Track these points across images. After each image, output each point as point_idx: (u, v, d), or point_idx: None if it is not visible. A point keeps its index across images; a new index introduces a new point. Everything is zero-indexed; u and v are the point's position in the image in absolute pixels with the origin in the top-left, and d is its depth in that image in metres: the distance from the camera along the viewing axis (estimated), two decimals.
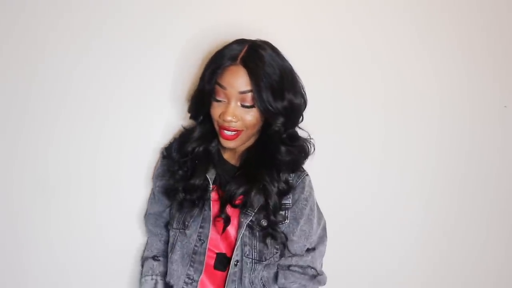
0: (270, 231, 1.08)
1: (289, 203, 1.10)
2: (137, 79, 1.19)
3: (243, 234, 1.07)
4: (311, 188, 1.13)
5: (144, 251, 1.24)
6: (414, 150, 1.36)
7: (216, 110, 1.03)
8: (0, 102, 1.14)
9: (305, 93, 1.09)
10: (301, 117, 1.10)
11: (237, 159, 1.12)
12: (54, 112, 1.17)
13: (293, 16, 1.24)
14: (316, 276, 1.14)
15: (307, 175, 1.12)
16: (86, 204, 1.21)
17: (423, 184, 1.38)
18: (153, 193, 1.21)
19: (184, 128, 1.16)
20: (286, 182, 1.08)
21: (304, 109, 1.09)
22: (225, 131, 1.03)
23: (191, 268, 1.11)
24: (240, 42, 1.05)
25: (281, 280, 1.13)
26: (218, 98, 1.02)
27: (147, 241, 1.24)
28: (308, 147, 1.11)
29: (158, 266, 1.19)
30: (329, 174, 1.27)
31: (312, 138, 1.13)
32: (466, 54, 1.34)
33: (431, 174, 1.38)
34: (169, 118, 1.21)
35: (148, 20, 1.18)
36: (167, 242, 1.20)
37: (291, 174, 1.10)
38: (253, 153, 1.10)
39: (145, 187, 1.23)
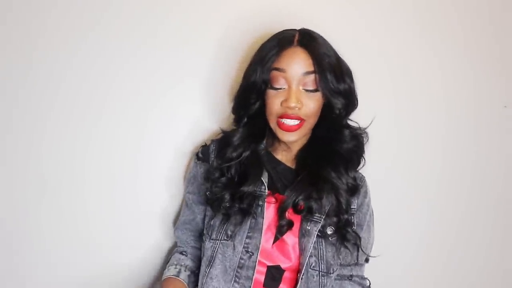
0: (343, 232, 0.97)
1: (354, 208, 1.03)
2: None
3: (308, 242, 0.95)
4: (369, 192, 1.08)
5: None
6: (417, 150, 1.35)
7: (275, 99, 0.94)
8: None
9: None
10: (356, 102, 1.03)
11: (293, 161, 1.04)
12: (61, 111, 1.17)
13: (296, 15, 1.24)
14: None
15: (365, 179, 1.07)
16: (90, 205, 1.21)
17: (427, 185, 1.37)
18: (184, 198, 1.13)
19: (222, 131, 1.07)
20: (354, 179, 1.01)
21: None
22: (287, 121, 0.94)
23: (236, 285, 0.97)
24: (288, 29, 0.99)
25: None
26: (277, 86, 0.94)
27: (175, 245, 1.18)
28: (362, 136, 1.05)
29: (184, 259, 1.10)
30: None
31: (365, 128, 1.06)
32: (467, 53, 1.35)
33: (435, 175, 1.37)
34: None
35: (155, 19, 1.19)
36: (196, 248, 1.13)
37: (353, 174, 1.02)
38: (310, 152, 1.01)
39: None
